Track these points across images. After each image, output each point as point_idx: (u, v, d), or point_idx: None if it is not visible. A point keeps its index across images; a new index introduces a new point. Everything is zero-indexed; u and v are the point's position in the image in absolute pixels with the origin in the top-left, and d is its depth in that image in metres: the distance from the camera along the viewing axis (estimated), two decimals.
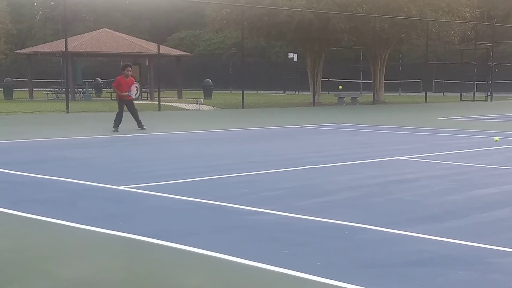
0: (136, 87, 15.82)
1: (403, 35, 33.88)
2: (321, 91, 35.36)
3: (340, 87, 37.34)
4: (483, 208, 6.56)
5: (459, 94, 39.30)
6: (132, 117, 16.00)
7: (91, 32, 40.37)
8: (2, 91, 35.00)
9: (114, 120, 15.72)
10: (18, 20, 65.04)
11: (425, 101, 35.10)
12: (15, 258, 4.73)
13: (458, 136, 14.85)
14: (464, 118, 21.82)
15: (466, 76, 40.20)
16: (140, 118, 16.04)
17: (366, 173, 8.87)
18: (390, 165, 9.79)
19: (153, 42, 36.78)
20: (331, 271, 4.37)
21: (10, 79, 36.40)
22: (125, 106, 15.78)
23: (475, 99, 37.32)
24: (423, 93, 36.92)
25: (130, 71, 15.82)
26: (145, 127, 15.88)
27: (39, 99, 34.14)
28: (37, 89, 38.63)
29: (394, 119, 21.22)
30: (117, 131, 15.35)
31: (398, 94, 48.51)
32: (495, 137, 13.56)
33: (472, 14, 34.97)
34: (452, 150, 11.86)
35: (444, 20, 33.20)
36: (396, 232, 5.48)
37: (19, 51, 43.37)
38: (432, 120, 20.79)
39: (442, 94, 47.78)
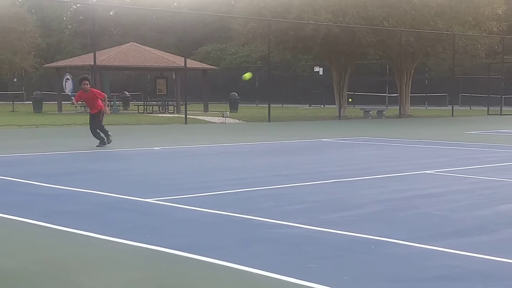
0: (70, 88, 15.22)
1: (429, 49, 33.72)
2: (347, 104, 35.31)
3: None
4: None
5: (486, 108, 38.95)
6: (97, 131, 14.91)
7: (119, 46, 40.83)
8: (32, 104, 35.51)
9: (105, 134, 14.83)
10: (47, 35, 66.07)
11: (452, 115, 34.84)
12: (45, 270, 4.79)
13: (486, 150, 14.72)
14: (492, 132, 21.63)
15: (493, 90, 39.86)
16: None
17: (393, 187, 8.84)
18: (417, 179, 9.74)
19: (180, 56, 37.07)
20: (358, 285, 4.37)
21: (39, 92, 36.94)
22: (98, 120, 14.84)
23: (503, 113, 36.95)
24: (450, 107, 36.64)
25: (87, 84, 14.86)
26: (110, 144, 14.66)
27: (68, 112, 34.55)
28: (66, 102, 39.03)
29: (421, 133, 21.09)
30: (109, 137, 14.78)
31: (424, 107, 48.21)
32: None
33: (499, 28, 34.71)
34: (480, 164, 11.76)
35: (470, 34, 33.01)
36: (423, 246, 5.45)
37: (48, 64, 43.97)
38: (459, 134, 20.64)
39: (469, 108, 47.36)
